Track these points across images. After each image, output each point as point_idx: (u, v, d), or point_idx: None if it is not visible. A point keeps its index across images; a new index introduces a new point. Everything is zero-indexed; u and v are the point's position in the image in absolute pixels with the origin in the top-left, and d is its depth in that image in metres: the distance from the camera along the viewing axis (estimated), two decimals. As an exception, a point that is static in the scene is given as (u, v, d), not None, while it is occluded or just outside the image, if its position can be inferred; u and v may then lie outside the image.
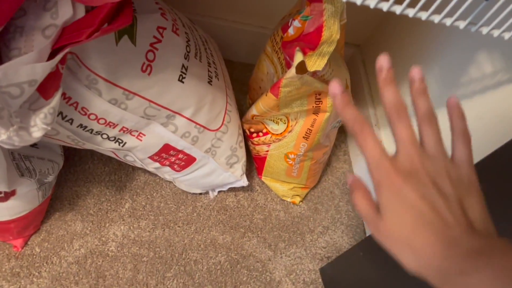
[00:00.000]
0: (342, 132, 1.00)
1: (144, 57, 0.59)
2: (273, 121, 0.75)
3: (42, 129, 0.49)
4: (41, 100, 0.50)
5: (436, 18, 0.44)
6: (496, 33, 0.46)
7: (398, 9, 0.43)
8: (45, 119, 0.49)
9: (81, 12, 0.49)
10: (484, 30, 0.46)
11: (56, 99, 0.51)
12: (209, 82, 0.70)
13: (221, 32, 0.95)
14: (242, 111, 0.93)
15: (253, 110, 0.74)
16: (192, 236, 0.76)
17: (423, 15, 0.44)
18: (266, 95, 0.66)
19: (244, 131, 0.82)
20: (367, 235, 0.85)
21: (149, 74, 0.60)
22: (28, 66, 0.45)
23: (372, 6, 0.42)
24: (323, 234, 0.83)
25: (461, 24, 0.45)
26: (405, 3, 0.42)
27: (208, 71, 0.71)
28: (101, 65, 0.55)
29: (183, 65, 0.64)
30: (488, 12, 0.44)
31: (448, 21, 0.45)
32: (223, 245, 0.76)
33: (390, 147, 0.84)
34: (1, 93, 0.44)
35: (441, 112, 0.73)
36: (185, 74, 0.64)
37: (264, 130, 0.78)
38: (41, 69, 0.46)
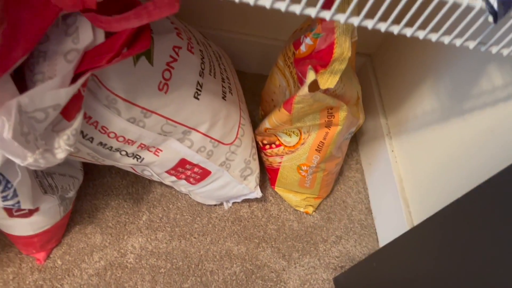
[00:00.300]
0: (354, 141, 1.01)
1: (161, 76, 0.61)
2: (286, 133, 0.77)
3: (66, 151, 0.51)
4: (64, 121, 0.52)
5: (446, 39, 0.45)
6: (505, 52, 0.47)
7: (408, 32, 0.44)
8: (68, 141, 0.51)
9: (100, 37, 0.51)
10: (494, 50, 0.47)
11: (78, 121, 0.53)
12: (223, 97, 0.71)
13: (233, 45, 0.97)
14: (254, 122, 0.95)
15: (266, 124, 0.75)
16: (207, 247, 0.78)
17: (433, 37, 0.45)
18: (279, 110, 0.68)
19: (257, 143, 0.84)
20: (380, 246, 0.86)
21: (165, 92, 0.61)
22: (53, 91, 0.47)
23: (383, 30, 0.43)
24: (336, 243, 0.85)
25: (471, 44, 0.46)
26: (415, 26, 0.44)
27: (222, 86, 0.73)
28: (120, 86, 0.57)
29: (198, 82, 0.66)
30: (497, 33, 0.45)
31: (458, 42, 0.46)
32: (238, 255, 0.78)
33: (402, 156, 0.85)
34: (28, 118, 0.46)
35: (451, 122, 0.74)
36: (200, 91, 0.66)
37: (277, 142, 0.80)
38: (64, 94, 0.48)
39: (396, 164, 0.86)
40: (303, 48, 0.65)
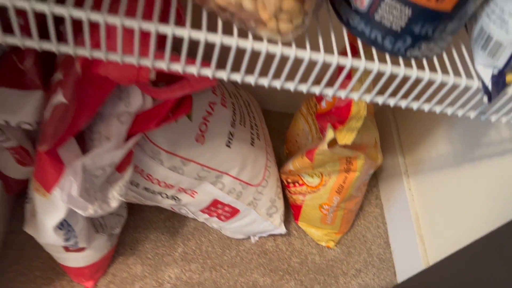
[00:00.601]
0: (374, 177, 1.07)
1: (198, 129, 0.69)
2: (308, 174, 0.84)
3: (118, 200, 0.59)
4: (116, 174, 0.61)
5: (449, 111, 0.52)
6: (504, 119, 0.53)
7: (415, 105, 0.51)
8: (120, 191, 0.60)
9: (149, 102, 0.60)
10: (493, 118, 0.53)
11: (128, 173, 0.62)
12: (252, 143, 0.79)
13: (260, 87, 1.05)
14: (279, 158, 1.02)
15: (290, 166, 0.82)
16: (236, 278, 0.85)
17: (437, 109, 0.51)
18: (301, 158, 0.75)
19: (282, 181, 0.91)
20: (398, 279, 0.91)
21: (202, 143, 0.70)
22: (111, 153, 0.55)
23: (392, 104, 0.50)
24: (356, 276, 0.90)
25: (472, 114, 0.52)
26: (421, 101, 0.50)
27: (251, 133, 0.81)
28: (163, 140, 0.66)
29: (230, 132, 0.74)
30: (495, 104, 0.51)
31: (460, 112, 0.52)
32: (263, 287, 0.85)
33: (418, 195, 0.90)
34: (89, 175, 0.55)
35: (463, 167, 0.79)
36: (232, 139, 0.74)
37: (300, 182, 0.86)
38: (120, 154, 0.56)
39: (413, 202, 0.92)
40: (323, 104, 0.72)
